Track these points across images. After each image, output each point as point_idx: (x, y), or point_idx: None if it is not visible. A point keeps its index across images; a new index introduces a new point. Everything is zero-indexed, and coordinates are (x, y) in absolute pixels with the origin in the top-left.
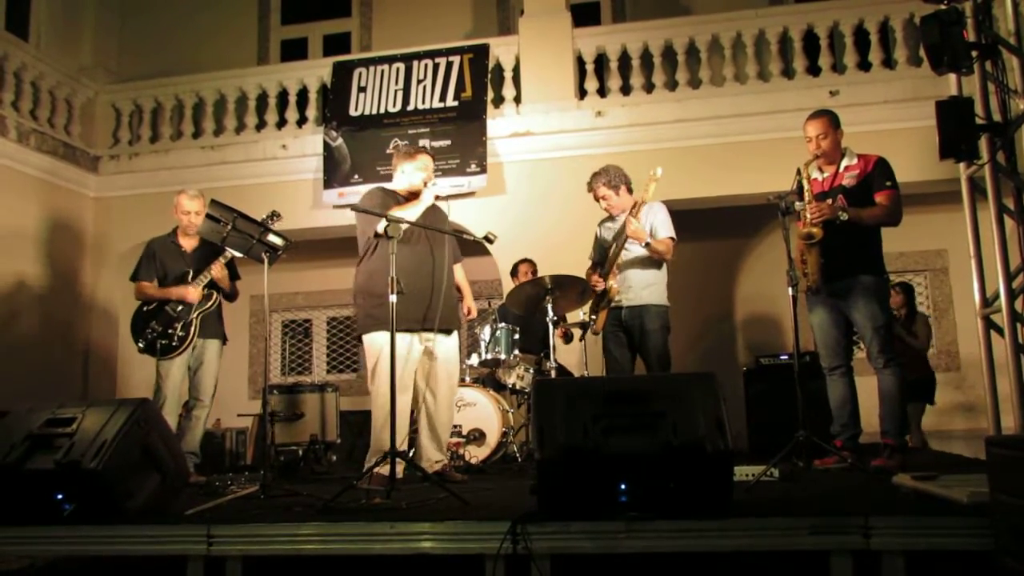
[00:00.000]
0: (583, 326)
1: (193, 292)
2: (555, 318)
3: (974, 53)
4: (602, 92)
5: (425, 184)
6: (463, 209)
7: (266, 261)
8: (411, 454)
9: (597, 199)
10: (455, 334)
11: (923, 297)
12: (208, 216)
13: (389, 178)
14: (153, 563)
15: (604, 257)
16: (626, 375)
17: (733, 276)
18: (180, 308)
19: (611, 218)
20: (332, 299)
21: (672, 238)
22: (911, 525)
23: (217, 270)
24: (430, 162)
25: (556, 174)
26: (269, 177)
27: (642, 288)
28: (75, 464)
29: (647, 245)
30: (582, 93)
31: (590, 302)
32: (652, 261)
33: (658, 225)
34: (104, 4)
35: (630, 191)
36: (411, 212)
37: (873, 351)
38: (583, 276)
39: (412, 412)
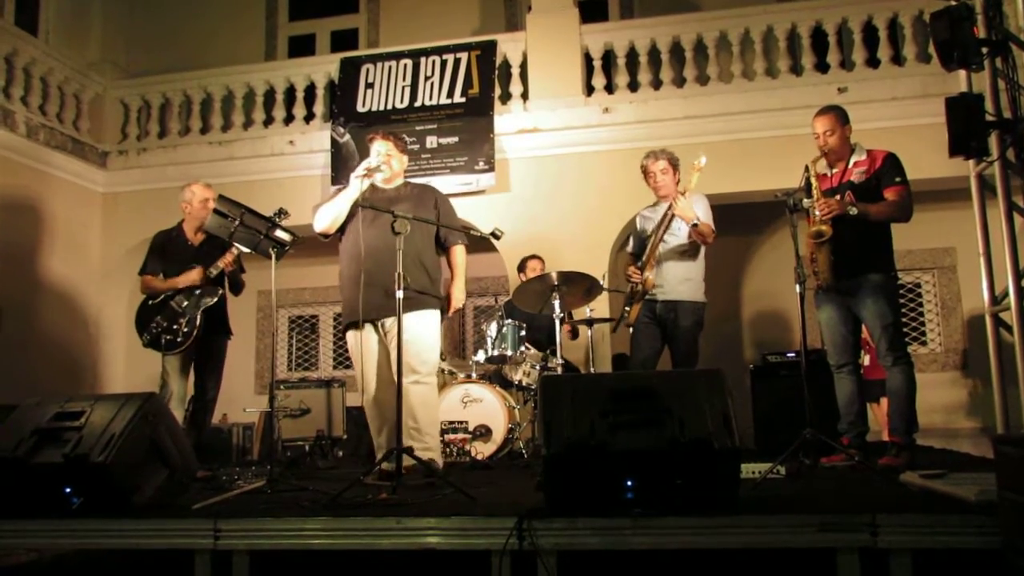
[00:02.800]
0: (589, 322)
1: (193, 273)
2: (562, 314)
3: (984, 49)
4: (610, 89)
5: (378, 167)
6: (470, 205)
7: (273, 257)
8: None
9: (649, 175)
10: (414, 314)
11: (931, 295)
12: (216, 211)
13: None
14: (160, 557)
15: (643, 248)
16: (649, 368)
17: (740, 273)
18: (185, 303)
19: (652, 207)
20: (338, 295)
21: (711, 226)
22: (918, 523)
23: (230, 259)
24: (382, 146)
25: (563, 171)
26: (277, 173)
27: (678, 282)
28: (83, 458)
29: (694, 226)
30: (589, 90)
31: (627, 293)
32: (689, 253)
33: (701, 212)
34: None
35: (677, 184)
36: (340, 199)
37: (881, 349)
38: (590, 273)
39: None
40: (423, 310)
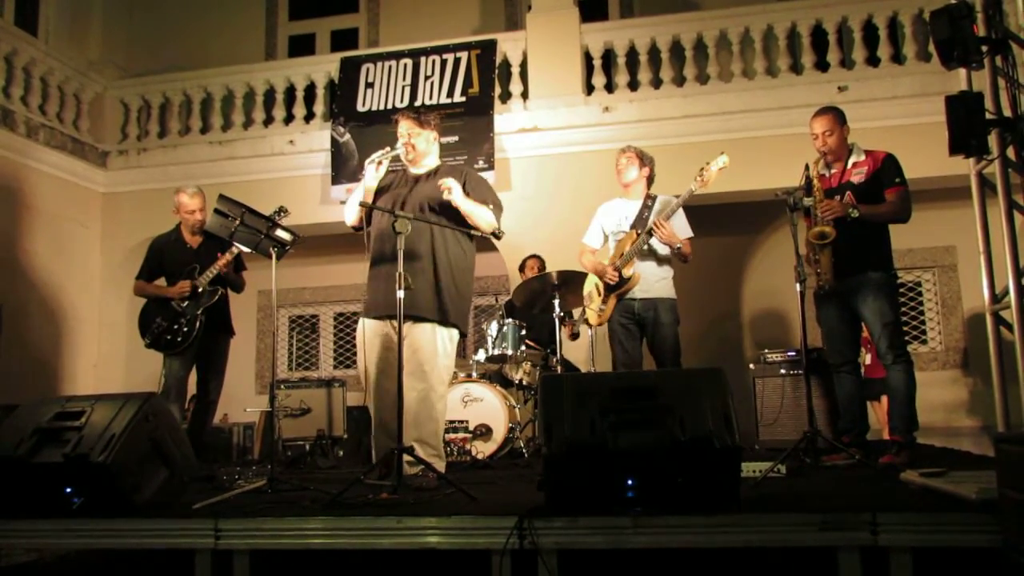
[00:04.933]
0: (587, 322)
1: (181, 285)
2: (561, 314)
3: (984, 48)
4: (609, 88)
5: (386, 152)
6: None
7: (274, 256)
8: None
9: (618, 162)
10: (429, 325)
11: (931, 294)
12: (216, 211)
13: (396, 174)
14: (161, 556)
15: (604, 243)
16: (635, 369)
17: (741, 272)
18: (185, 303)
19: (621, 201)
20: (339, 294)
21: (691, 238)
22: (919, 521)
23: (223, 265)
24: (402, 127)
25: (563, 170)
26: (277, 172)
27: (655, 280)
28: (84, 457)
29: (678, 249)
30: (589, 89)
31: (595, 291)
32: (666, 253)
33: (679, 225)
34: None
35: (649, 184)
36: (357, 192)
37: (882, 347)
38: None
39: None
40: (441, 326)
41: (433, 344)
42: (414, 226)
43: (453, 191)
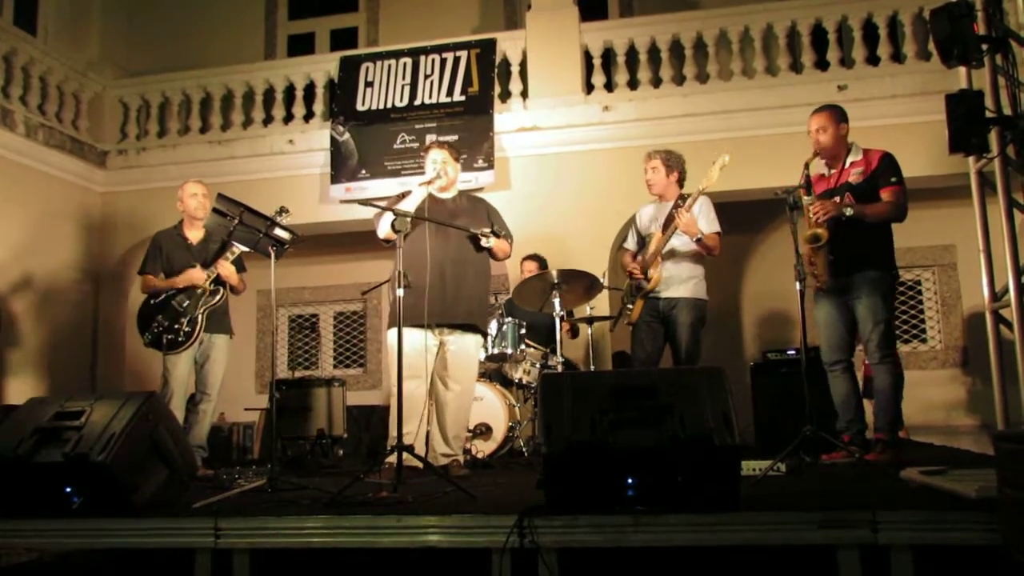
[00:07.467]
0: (589, 320)
1: (198, 274)
2: (562, 313)
3: (984, 46)
4: (609, 87)
5: (438, 176)
6: None
7: (273, 255)
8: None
9: (645, 171)
10: (473, 336)
11: (931, 292)
12: (215, 210)
13: (396, 173)
14: (161, 556)
15: (642, 245)
16: (652, 367)
17: (741, 271)
18: (187, 303)
19: (655, 204)
20: (339, 294)
21: (718, 232)
22: (919, 520)
23: (224, 268)
24: (438, 155)
25: (563, 169)
26: (276, 172)
27: (682, 281)
28: (83, 457)
29: (699, 240)
30: (589, 88)
31: (625, 290)
32: (694, 253)
33: (705, 220)
34: None
35: (681, 184)
36: (404, 205)
37: (871, 345)
38: (590, 270)
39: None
40: (477, 335)
41: (477, 352)
42: (444, 241)
43: (491, 240)
